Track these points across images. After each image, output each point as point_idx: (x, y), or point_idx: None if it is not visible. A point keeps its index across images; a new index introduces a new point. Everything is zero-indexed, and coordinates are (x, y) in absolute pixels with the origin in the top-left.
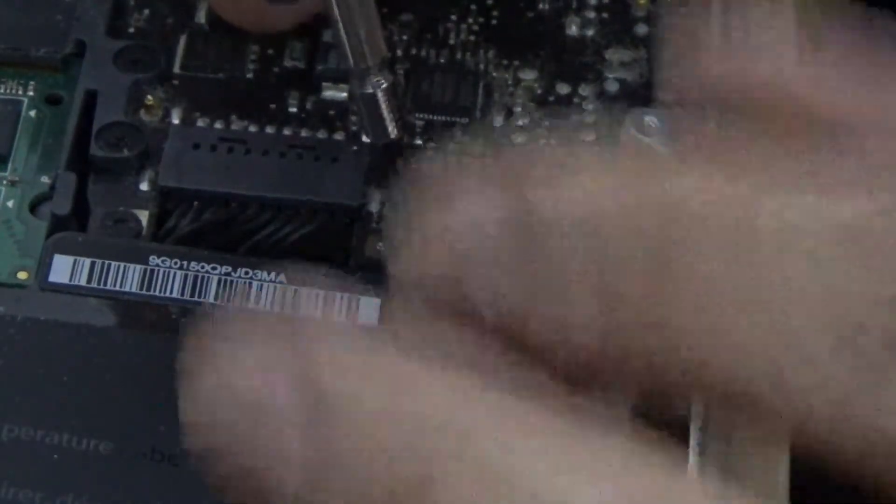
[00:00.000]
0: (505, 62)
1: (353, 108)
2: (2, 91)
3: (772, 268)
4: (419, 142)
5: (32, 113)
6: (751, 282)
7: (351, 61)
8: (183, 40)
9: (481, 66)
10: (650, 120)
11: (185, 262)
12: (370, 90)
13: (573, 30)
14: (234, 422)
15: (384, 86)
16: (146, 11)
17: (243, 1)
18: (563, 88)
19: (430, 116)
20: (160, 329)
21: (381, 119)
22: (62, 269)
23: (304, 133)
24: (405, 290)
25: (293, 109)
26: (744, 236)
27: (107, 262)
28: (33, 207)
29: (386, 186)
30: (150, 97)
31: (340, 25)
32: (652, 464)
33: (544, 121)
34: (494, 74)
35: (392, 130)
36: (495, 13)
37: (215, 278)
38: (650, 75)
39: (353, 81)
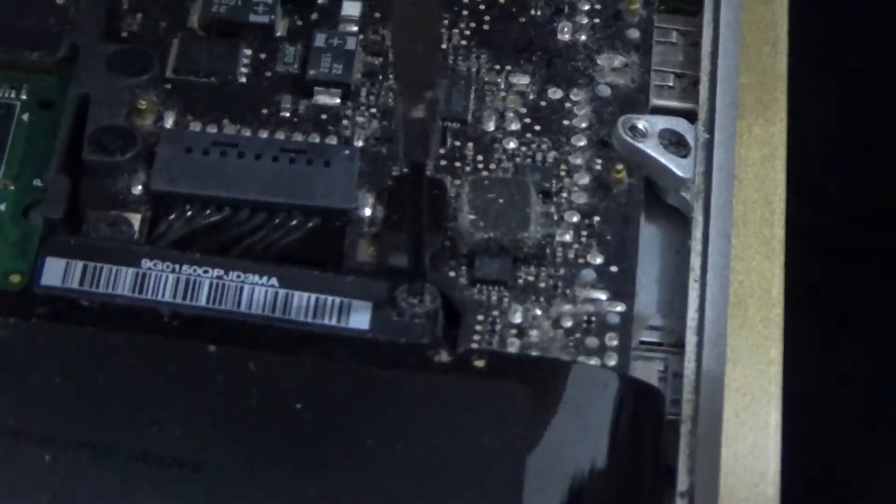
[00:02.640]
0: (497, 67)
1: (394, 125)
2: None
3: None
4: None
5: (25, 116)
6: None
7: (405, 80)
8: (176, 44)
9: (473, 71)
10: (642, 125)
11: (177, 266)
12: (420, 114)
13: (565, 35)
14: None
15: (433, 108)
16: (139, 16)
17: None
18: (556, 93)
19: None
20: (153, 332)
21: (425, 140)
22: (55, 272)
23: (296, 137)
24: None
25: (286, 114)
26: None
27: (99, 265)
28: (26, 211)
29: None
30: (142, 101)
31: (407, 43)
32: None
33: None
34: (486, 79)
35: (431, 151)
36: (487, 18)
37: (207, 281)
38: (642, 80)
39: (399, 101)
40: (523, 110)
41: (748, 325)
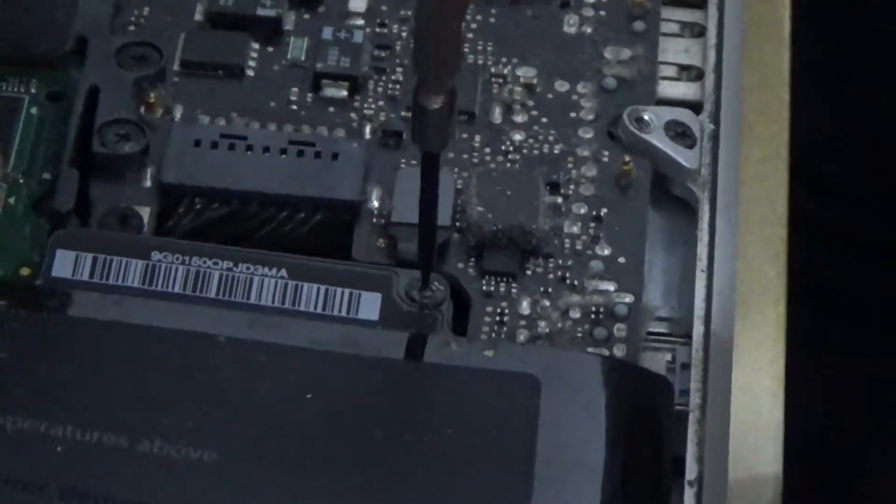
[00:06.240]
0: (504, 59)
1: (412, 115)
2: (3, 88)
3: None
4: None
5: (34, 110)
6: None
7: (426, 70)
8: (183, 38)
9: (480, 63)
10: (648, 116)
11: (186, 258)
12: (437, 105)
13: (571, 28)
14: None
15: (451, 98)
16: (146, 9)
17: None
18: (562, 85)
19: None
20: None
21: (441, 130)
22: (65, 264)
23: (304, 130)
24: None
25: (294, 107)
26: None
27: (109, 257)
28: (36, 204)
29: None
30: (151, 94)
31: (431, 36)
32: None
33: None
34: (493, 71)
35: (447, 141)
36: (494, 10)
37: (217, 273)
38: (648, 72)
39: (419, 92)
40: (530, 102)
41: (750, 323)
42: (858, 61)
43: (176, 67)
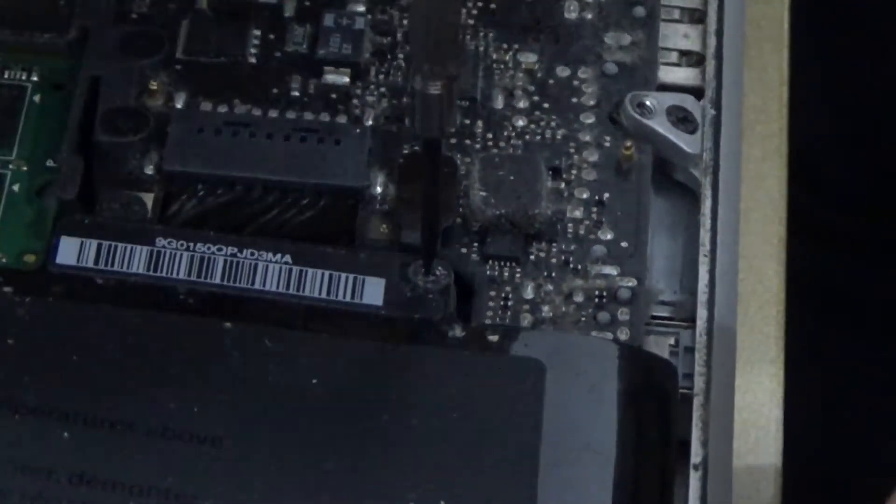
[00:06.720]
0: (505, 45)
1: (411, 101)
2: (7, 76)
3: None
4: None
5: (37, 98)
6: None
7: (424, 55)
8: (185, 26)
9: (481, 49)
10: (650, 102)
11: (191, 244)
12: (436, 90)
13: (572, 13)
14: None
15: (451, 84)
16: None
17: None
18: (564, 71)
19: None
20: (168, 309)
21: (441, 116)
22: (69, 251)
23: (307, 116)
24: None
25: (296, 93)
26: None
27: (114, 243)
28: (40, 191)
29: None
30: (153, 82)
31: (426, 23)
32: None
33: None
34: (495, 57)
35: (447, 127)
36: None
37: (221, 259)
38: (649, 58)
39: (416, 78)
40: (532, 88)
41: (749, 322)
42: (858, 61)
43: (179, 55)
